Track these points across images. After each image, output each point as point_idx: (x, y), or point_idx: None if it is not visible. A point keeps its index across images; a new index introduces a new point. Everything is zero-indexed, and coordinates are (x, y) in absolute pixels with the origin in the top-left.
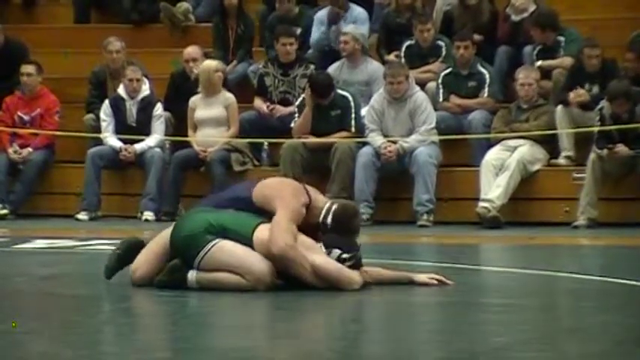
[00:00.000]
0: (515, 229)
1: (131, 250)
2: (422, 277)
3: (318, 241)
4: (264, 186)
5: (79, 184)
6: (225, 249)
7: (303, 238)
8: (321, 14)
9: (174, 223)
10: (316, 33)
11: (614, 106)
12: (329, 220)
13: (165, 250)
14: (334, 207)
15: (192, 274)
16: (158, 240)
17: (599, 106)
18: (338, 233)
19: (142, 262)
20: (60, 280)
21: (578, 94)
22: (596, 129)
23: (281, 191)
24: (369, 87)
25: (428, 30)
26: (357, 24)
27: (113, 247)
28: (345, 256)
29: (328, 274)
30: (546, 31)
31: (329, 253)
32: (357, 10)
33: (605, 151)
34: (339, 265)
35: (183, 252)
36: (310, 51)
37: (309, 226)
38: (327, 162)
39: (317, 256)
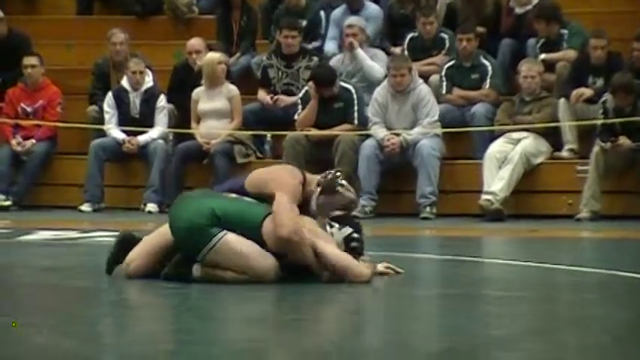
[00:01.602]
0: (518, 222)
1: (124, 245)
2: (379, 267)
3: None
4: (256, 172)
5: (81, 176)
6: (231, 246)
7: (312, 225)
8: (337, 14)
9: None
10: (331, 45)
11: (617, 98)
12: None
13: (161, 246)
14: (329, 176)
15: (196, 269)
16: (155, 235)
17: (602, 99)
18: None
19: (137, 256)
20: (63, 272)
21: (579, 94)
22: (599, 122)
23: (274, 173)
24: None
25: (430, 23)
26: (370, 21)
27: (111, 245)
28: (355, 235)
29: (337, 262)
30: (551, 23)
31: (340, 229)
32: (372, 7)
33: (608, 144)
34: (348, 256)
35: (186, 243)
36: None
37: (305, 204)
38: (329, 154)
39: (327, 245)
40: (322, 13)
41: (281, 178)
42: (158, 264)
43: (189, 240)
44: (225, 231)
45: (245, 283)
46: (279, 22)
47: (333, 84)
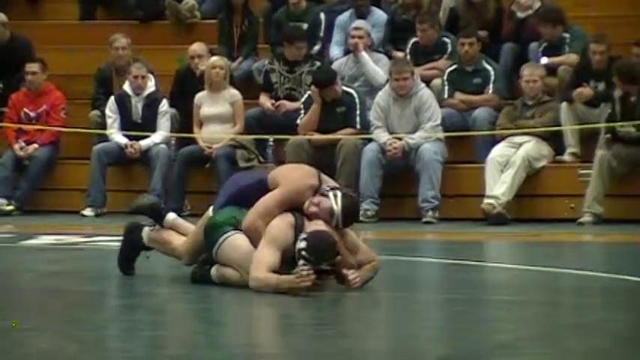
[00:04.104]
0: (521, 226)
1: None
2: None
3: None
4: (278, 169)
5: (84, 181)
6: (234, 244)
7: (271, 226)
8: (343, 19)
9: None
10: (336, 51)
11: (622, 81)
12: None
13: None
14: (339, 195)
15: (214, 269)
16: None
17: (609, 109)
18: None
19: (189, 250)
20: (66, 277)
21: (581, 93)
22: (602, 125)
23: (290, 172)
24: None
25: (423, 30)
26: (375, 27)
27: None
28: (303, 253)
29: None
30: (555, 25)
31: (300, 240)
32: (378, 14)
33: (608, 135)
34: (261, 261)
35: (207, 240)
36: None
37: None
38: (332, 159)
39: (261, 245)
40: (322, 15)
41: (289, 179)
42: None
43: (209, 237)
44: (237, 231)
45: (248, 287)
46: (285, 32)
47: (333, 83)
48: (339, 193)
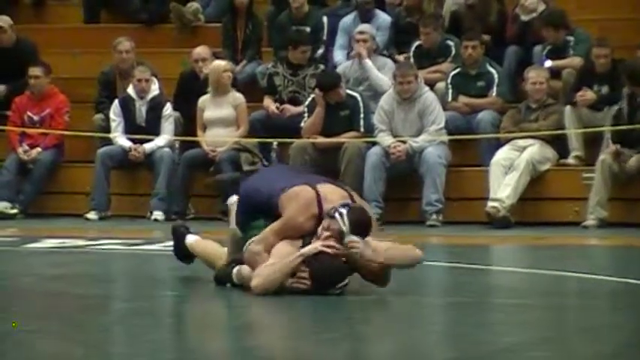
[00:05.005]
0: (525, 229)
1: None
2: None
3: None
4: (286, 194)
5: (88, 184)
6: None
7: (275, 253)
8: (346, 22)
9: None
10: (339, 55)
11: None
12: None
13: None
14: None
15: (236, 269)
16: None
17: (618, 106)
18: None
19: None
20: (70, 280)
21: (583, 96)
22: (606, 129)
23: (290, 202)
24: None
25: (427, 33)
26: (380, 30)
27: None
28: (303, 274)
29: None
30: (559, 29)
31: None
32: (383, 17)
33: (617, 146)
34: (262, 270)
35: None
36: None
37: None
38: (336, 162)
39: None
40: (325, 19)
41: (289, 212)
42: None
43: (246, 235)
44: None
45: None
46: (289, 36)
47: (337, 86)
48: (344, 212)
